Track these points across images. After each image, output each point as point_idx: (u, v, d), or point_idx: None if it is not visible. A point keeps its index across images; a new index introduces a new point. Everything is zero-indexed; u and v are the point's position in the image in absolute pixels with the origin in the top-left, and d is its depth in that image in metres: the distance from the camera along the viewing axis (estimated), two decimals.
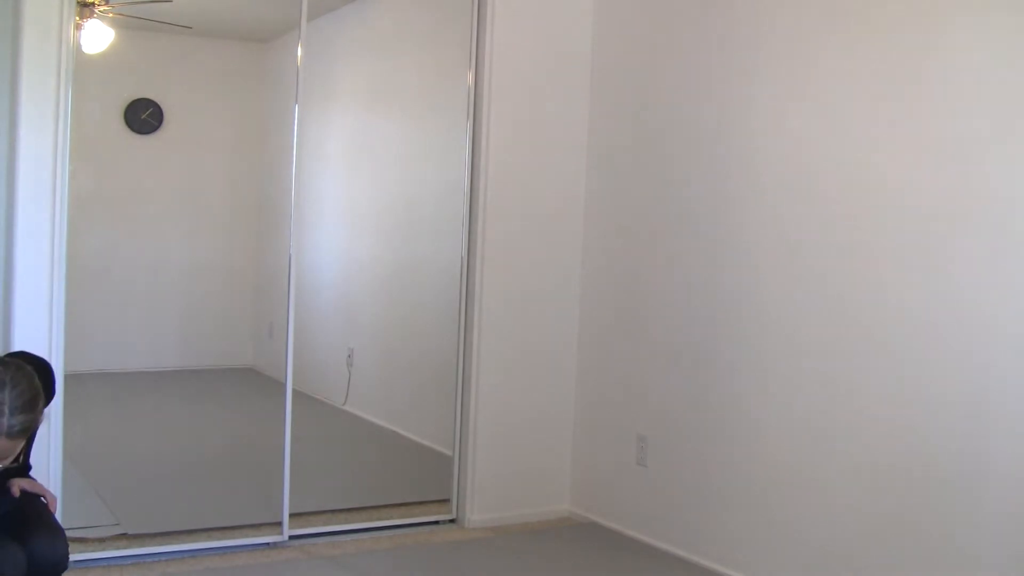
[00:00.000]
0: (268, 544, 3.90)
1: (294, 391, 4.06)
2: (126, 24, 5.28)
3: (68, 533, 3.53)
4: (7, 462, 2.43)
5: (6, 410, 2.24)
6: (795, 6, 3.54)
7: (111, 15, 4.91)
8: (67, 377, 3.55)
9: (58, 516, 2.71)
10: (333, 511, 4.21)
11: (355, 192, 6.15)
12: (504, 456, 4.34)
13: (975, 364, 2.96)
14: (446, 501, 4.36)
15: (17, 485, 2.62)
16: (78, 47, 3.69)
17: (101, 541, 3.68)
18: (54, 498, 2.71)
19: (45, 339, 3.44)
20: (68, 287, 3.54)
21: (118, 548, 3.66)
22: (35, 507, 2.63)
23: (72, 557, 3.52)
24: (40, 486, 2.69)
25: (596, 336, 4.41)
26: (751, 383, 3.67)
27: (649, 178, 4.16)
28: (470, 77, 4.28)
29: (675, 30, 4.06)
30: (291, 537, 3.95)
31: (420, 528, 4.21)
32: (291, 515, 3.97)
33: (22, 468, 2.69)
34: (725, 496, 3.76)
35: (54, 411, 3.46)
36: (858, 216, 3.31)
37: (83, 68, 3.62)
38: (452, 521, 4.32)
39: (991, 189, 2.94)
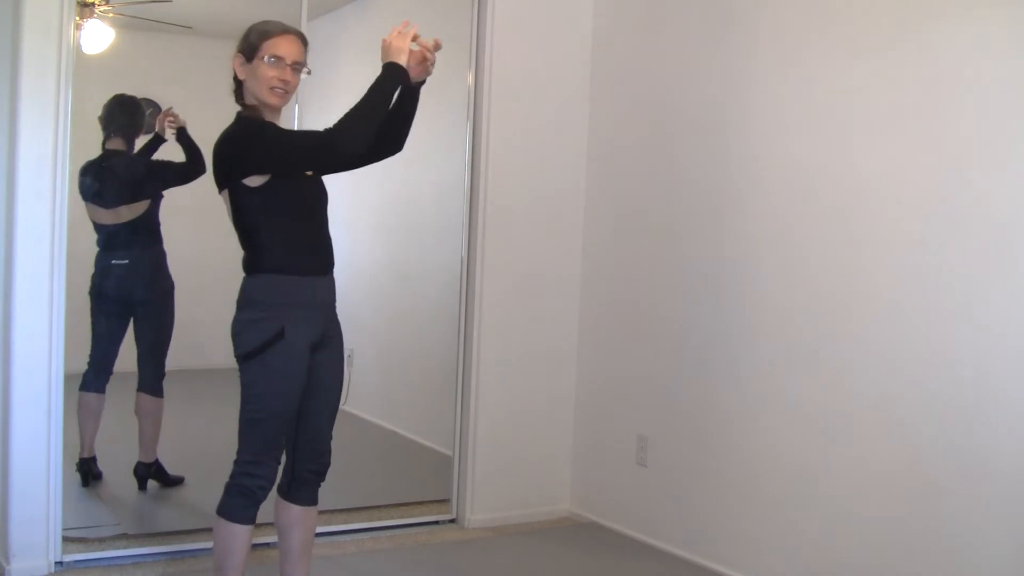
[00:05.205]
0: (268, 544, 3.90)
1: None
2: (126, 24, 5.28)
3: (68, 533, 3.58)
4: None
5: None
6: (795, 5, 3.55)
7: (111, 15, 4.90)
8: (67, 377, 3.55)
9: None
10: (333, 511, 4.21)
11: (355, 192, 6.14)
12: (504, 456, 4.34)
13: (976, 364, 2.96)
14: (446, 501, 4.36)
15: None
16: (78, 47, 3.68)
17: (101, 541, 3.67)
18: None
19: (45, 339, 3.44)
20: (68, 287, 3.53)
21: (118, 548, 3.66)
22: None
23: (72, 557, 3.55)
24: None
25: (596, 336, 4.41)
26: (752, 383, 3.67)
27: (649, 177, 4.16)
28: (470, 77, 4.28)
29: (675, 29, 4.06)
30: None
31: (420, 528, 4.21)
32: None
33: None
34: (725, 496, 3.76)
35: (53, 411, 3.47)
36: (860, 215, 3.30)
37: (83, 68, 3.62)
38: (452, 521, 4.32)
39: (991, 188, 2.94)
